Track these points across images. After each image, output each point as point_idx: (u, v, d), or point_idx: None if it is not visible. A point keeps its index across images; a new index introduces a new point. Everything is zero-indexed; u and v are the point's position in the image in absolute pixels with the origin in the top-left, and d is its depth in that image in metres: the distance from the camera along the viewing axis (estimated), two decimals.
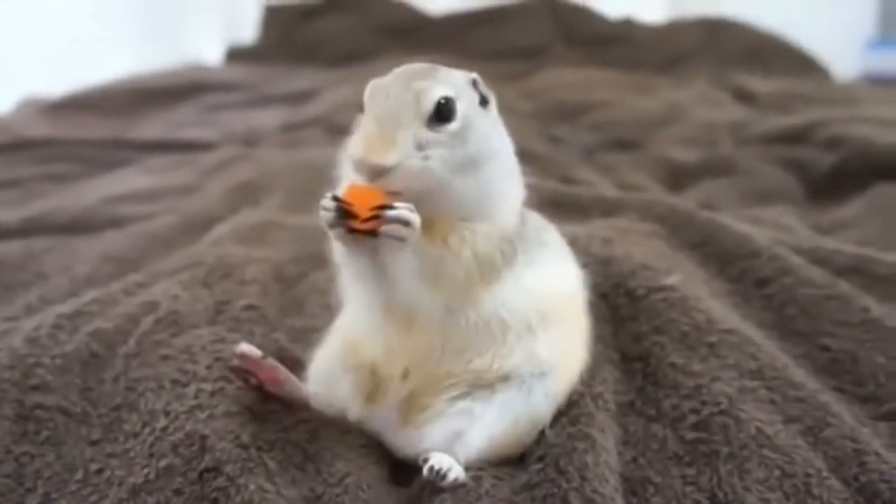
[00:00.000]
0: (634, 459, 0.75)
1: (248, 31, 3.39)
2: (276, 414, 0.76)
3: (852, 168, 1.50)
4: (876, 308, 0.89)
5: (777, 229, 1.17)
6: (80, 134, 1.91)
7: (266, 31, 3.31)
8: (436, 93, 0.66)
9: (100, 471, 0.71)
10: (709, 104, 2.24)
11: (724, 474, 0.70)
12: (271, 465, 0.69)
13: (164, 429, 0.71)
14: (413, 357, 0.72)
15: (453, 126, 0.66)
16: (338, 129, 1.75)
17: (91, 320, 0.88)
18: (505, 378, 0.72)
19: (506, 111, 0.75)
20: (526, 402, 0.72)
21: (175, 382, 0.77)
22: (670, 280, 0.91)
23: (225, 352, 0.81)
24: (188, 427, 0.71)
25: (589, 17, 3.23)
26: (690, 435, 0.75)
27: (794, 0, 3.24)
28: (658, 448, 0.75)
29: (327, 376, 0.78)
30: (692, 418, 0.76)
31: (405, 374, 0.73)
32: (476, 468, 0.71)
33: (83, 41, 2.72)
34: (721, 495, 0.68)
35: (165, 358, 0.81)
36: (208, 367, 0.79)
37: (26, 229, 1.22)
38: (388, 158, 0.63)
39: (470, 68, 0.73)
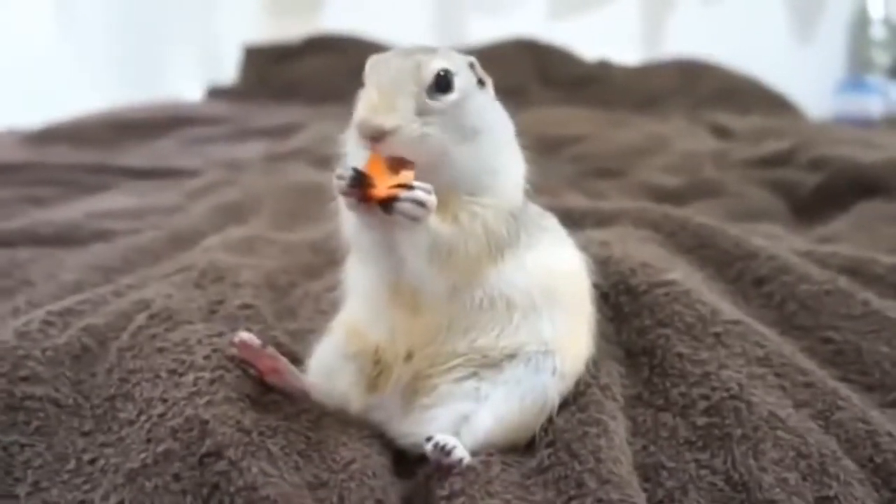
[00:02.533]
0: (645, 448, 0.73)
1: (226, 72, 3.39)
2: (276, 403, 0.74)
3: (837, 187, 1.51)
4: (876, 301, 0.89)
5: (770, 239, 1.17)
6: (62, 161, 1.88)
7: (245, 71, 3.32)
8: (435, 64, 0.68)
9: (93, 460, 0.68)
10: (688, 137, 2.27)
11: (738, 456, 0.69)
12: (274, 450, 0.67)
13: (162, 415, 0.69)
14: (417, 337, 0.71)
15: (452, 97, 0.68)
16: (321, 160, 1.76)
17: (82, 317, 0.85)
18: (511, 357, 0.71)
19: None
20: (533, 380, 0.71)
21: (172, 372, 0.75)
22: (671, 275, 0.90)
23: (222, 344, 0.78)
24: (187, 412, 0.68)
25: (566, 59, 3.27)
26: (702, 420, 0.74)
27: (765, 43, 3.32)
28: (669, 435, 0.74)
29: (328, 367, 0.76)
30: (702, 404, 0.75)
31: (409, 356, 0.71)
32: (484, 454, 0.68)
33: (60, 82, 2.71)
34: (737, 476, 0.67)
35: (161, 350, 0.79)
36: (206, 358, 0.76)
37: (9, 240, 1.19)
38: (389, 121, 0.64)
39: None
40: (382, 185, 0.64)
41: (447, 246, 0.67)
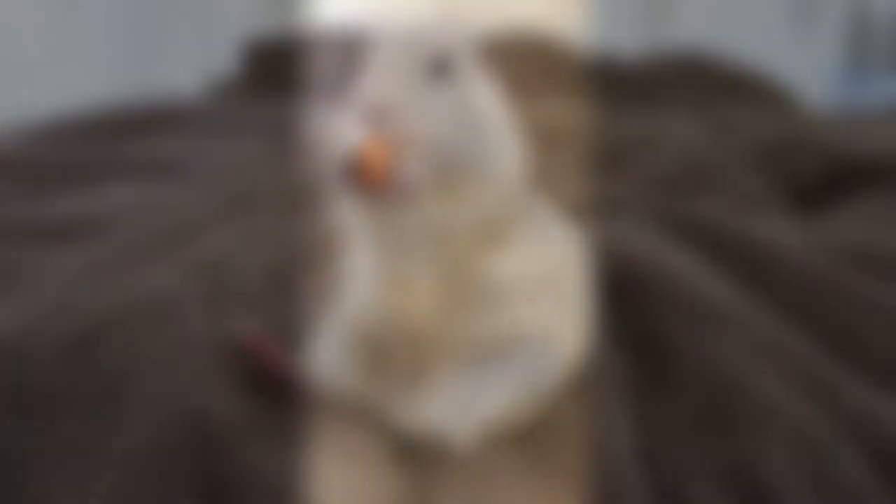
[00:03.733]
0: (646, 436, 0.73)
1: (228, 66, 3.39)
2: (278, 392, 0.74)
3: (839, 177, 1.50)
4: (879, 289, 0.89)
5: (772, 228, 1.17)
6: (58, 156, 1.88)
7: (247, 65, 3.31)
8: (437, 45, 0.67)
9: (94, 451, 0.68)
10: (690, 128, 2.26)
11: (740, 443, 0.69)
12: (275, 440, 0.67)
13: (163, 406, 0.69)
14: (417, 325, 0.71)
15: (452, 78, 0.67)
16: (324, 154, 1.76)
17: (83, 308, 0.85)
18: (509, 345, 0.71)
19: None
20: (532, 369, 0.71)
21: (173, 363, 0.75)
22: (673, 265, 0.90)
23: (224, 335, 0.79)
24: (189, 403, 0.69)
25: (568, 51, 3.27)
26: (703, 408, 0.74)
27: (766, 34, 3.31)
28: (669, 423, 0.74)
29: (329, 356, 0.76)
30: (704, 392, 0.75)
31: (410, 344, 0.71)
32: (483, 444, 0.68)
33: (59, 77, 2.71)
34: (739, 463, 0.67)
35: (162, 341, 0.79)
36: (208, 349, 0.77)
37: (10, 234, 1.19)
38: (389, 98, 0.64)
39: None
40: (375, 168, 0.64)
41: (440, 226, 0.67)
